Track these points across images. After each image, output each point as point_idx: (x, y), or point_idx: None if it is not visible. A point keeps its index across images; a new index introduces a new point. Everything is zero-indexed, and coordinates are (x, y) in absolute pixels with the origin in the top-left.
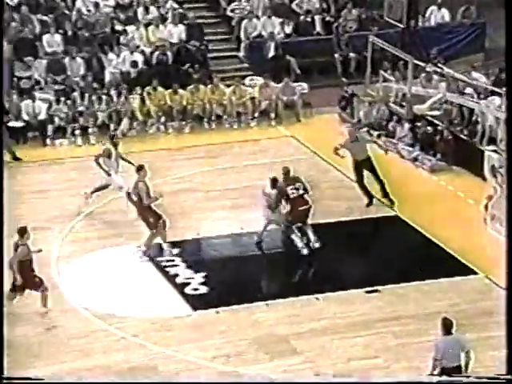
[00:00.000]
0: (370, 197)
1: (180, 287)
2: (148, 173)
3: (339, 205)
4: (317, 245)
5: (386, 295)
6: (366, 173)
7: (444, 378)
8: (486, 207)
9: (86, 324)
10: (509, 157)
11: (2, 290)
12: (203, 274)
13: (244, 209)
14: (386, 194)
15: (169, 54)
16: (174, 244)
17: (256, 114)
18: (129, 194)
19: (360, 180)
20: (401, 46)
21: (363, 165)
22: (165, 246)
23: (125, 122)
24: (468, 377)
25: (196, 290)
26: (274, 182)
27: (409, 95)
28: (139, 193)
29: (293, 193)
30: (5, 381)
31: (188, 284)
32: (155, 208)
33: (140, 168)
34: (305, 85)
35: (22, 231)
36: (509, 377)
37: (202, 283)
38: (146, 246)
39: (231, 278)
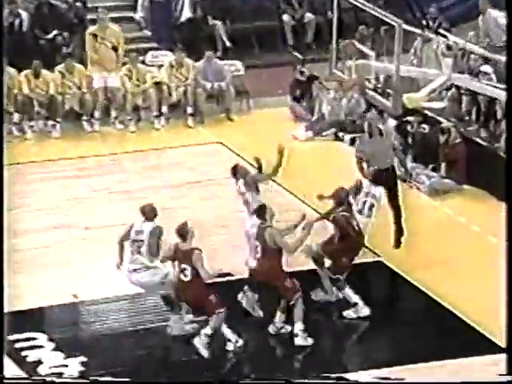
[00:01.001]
0: (401, 234)
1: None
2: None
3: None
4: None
5: None
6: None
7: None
8: None
9: None
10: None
11: (1, 290)
12: (81, 359)
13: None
14: (399, 230)
15: (23, 14)
16: (32, 312)
17: (164, 109)
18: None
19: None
20: (384, 3)
21: (384, 177)
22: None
23: None
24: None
25: None
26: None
27: (396, 78)
28: (268, 242)
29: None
30: (5, 381)
31: (58, 376)
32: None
33: (263, 208)
34: (238, 64)
35: (184, 230)
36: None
37: (80, 374)
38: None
39: (125, 365)
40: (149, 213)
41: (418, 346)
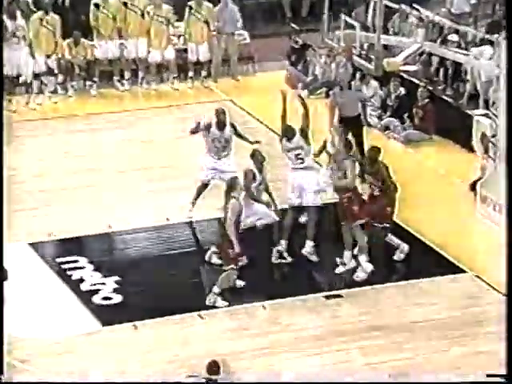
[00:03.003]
0: None
1: (86, 296)
2: None
3: None
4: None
5: (350, 301)
6: None
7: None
8: (474, 187)
9: None
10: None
11: (2, 283)
12: (116, 277)
13: (169, 194)
14: None
15: None
16: (77, 240)
17: (190, 74)
18: None
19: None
20: None
21: (351, 123)
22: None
23: None
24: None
25: (107, 299)
26: None
27: (377, 45)
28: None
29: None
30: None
31: (96, 292)
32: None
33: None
34: (245, 33)
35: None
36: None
37: (115, 290)
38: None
39: (153, 283)
40: None
41: (391, 268)
